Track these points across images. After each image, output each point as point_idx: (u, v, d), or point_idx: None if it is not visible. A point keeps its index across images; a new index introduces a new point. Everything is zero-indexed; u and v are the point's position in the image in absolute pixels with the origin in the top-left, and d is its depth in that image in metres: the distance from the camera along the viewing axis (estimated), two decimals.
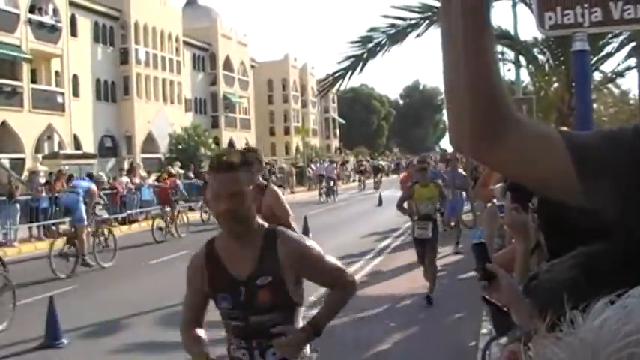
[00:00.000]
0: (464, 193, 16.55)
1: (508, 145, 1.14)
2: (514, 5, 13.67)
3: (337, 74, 10.46)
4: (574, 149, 1.12)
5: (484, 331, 7.53)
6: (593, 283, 1.06)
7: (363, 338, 8.44)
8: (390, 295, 10.82)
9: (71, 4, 39.18)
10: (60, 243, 14.30)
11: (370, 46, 10.05)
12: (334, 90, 12.64)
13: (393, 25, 9.93)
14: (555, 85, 12.90)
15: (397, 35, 10.02)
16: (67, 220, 15.92)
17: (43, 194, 21.03)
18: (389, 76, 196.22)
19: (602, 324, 0.71)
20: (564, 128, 1.22)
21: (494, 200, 4.03)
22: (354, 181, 51.29)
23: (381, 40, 10.02)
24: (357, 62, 10.12)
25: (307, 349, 3.12)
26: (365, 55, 10.09)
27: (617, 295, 0.77)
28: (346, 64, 10.19)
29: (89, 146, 40.07)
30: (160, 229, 19.82)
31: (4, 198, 19.61)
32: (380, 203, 28.63)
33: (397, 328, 8.25)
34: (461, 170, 17.06)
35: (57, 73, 38.30)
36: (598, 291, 0.82)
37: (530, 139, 1.15)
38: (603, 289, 0.81)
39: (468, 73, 1.11)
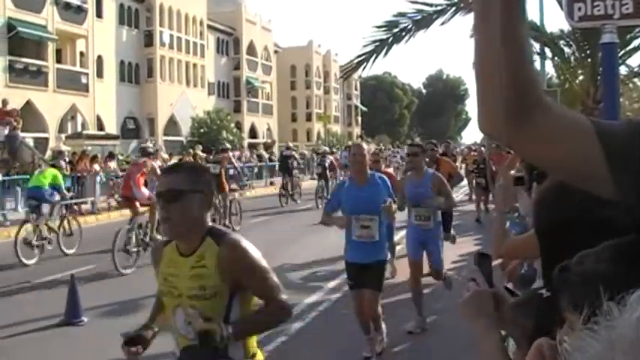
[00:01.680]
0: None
1: (538, 128, 1.13)
2: None
3: (361, 57, 10.42)
4: (604, 136, 1.11)
5: None
6: (635, 275, 1.06)
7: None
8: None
9: None
10: None
11: (396, 30, 9.99)
12: (357, 77, 12.67)
13: (419, 11, 9.88)
14: (581, 77, 12.77)
15: (423, 21, 9.96)
16: (88, 200, 16.62)
17: (67, 173, 21.20)
18: (412, 65, 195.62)
19: None
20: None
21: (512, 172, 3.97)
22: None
23: (407, 25, 9.96)
24: (381, 46, 10.06)
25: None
26: (390, 40, 10.03)
27: None
28: (371, 47, 10.14)
29: (112, 127, 40.32)
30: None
31: (28, 176, 19.81)
32: None
33: (414, 318, 8.24)
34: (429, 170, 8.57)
35: (82, 53, 38.55)
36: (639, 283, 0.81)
37: (560, 123, 1.15)
38: None
39: (503, 54, 1.11)
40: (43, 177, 14.04)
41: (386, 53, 10.11)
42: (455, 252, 13.48)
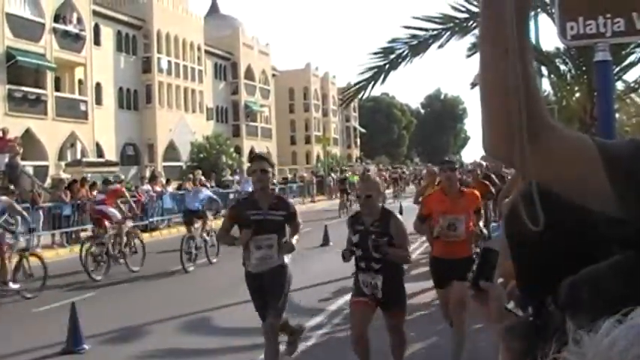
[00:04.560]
0: None
1: (543, 148, 1.15)
2: (536, 15, 13.58)
3: (359, 85, 10.47)
4: (606, 154, 1.13)
5: None
6: None
7: (382, 348, 8.41)
8: (409, 305, 10.77)
9: (95, 13, 39.62)
10: None
11: (392, 57, 10.04)
12: (355, 99, 12.64)
13: (414, 36, 9.92)
14: (577, 94, 12.80)
15: (419, 46, 10.00)
16: (88, 227, 17.41)
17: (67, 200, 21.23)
18: (410, 85, 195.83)
19: (610, 345, 0.70)
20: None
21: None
22: None
23: (403, 51, 10.01)
24: (378, 73, 10.11)
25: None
26: (387, 66, 10.08)
27: (623, 314, 0.76)
28: (368, 74, 10.19)
29: (111, 154, 40.36)
30: None
31: (28, 205, 19.80)
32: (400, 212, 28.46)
33: (416, 339, 8.20)
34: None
35: (80, 81, 38.70)
36: None
37: (564, 143, 1.16)
38: None
39: (511, 73, 1.12)
40: None
41: (383, 80, 10.16)
42: None
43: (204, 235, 16.80)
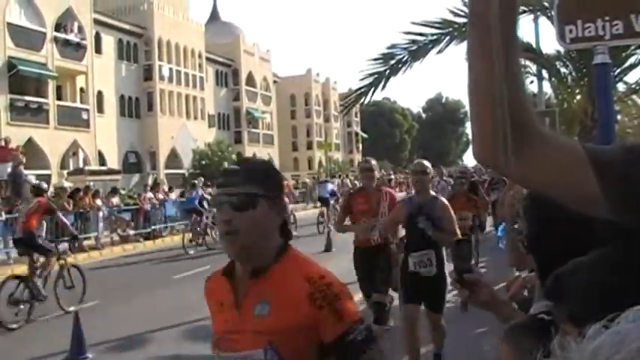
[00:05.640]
0: None
1: (533, 157, 1.15)
2: (536, 19, 13.58)
3: (360, 91, 10.46)
4: (597, 162, 1.13)
5: None
6: (631, 285, 1.06)
7: (385, 351, 8.39)
8: None
9: (96, 21, 39.75)
10: None
11: (392, 62, 10.00)
12: (357, 105, 12.61)
13: (413, 42, 9.89)
14: (578, 97, 12.77)
15: (418, 51, 9.96)
16: (92, 235, 17.06)
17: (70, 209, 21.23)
18: (411, 89, 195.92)
19: (595, 351, 0.70)
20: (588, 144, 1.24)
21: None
22: None
23: (403, 57, 9.97)
24: (379, 79, 10.08)
25: None
26: (387, 72, 10.05)
27: (610, 319, 0.76)
28: (368, 81, 10.16)
29: (113, 162, 40.42)
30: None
31: None
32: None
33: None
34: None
35: (82, 89, 38.80)
36: None
37: (554, 152, 1.16)
38: None
39: (502, 81, 1.13)
40: None
41: (384, 86, 10.13)
42: None
43: (330, 213, 24.62)
